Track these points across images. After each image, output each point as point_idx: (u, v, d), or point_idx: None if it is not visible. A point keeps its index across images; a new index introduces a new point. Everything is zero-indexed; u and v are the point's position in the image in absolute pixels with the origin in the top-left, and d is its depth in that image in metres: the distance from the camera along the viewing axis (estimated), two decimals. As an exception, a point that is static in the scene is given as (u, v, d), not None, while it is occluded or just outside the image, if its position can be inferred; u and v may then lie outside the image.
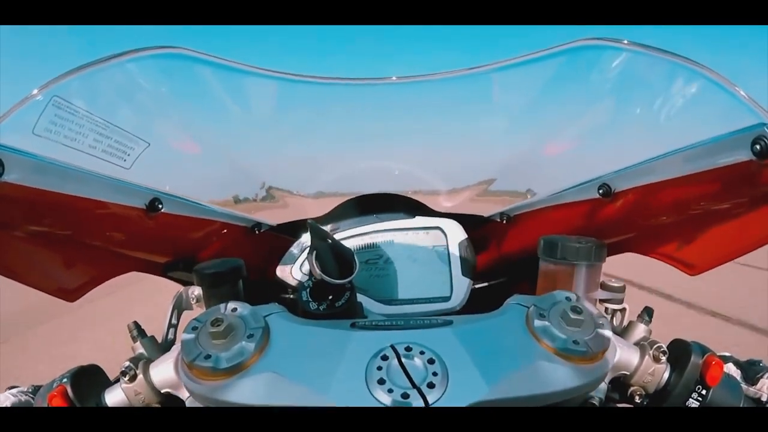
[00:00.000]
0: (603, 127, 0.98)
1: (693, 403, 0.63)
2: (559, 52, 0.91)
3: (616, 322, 0.79)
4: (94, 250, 0.82)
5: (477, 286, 1.10)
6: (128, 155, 0.82)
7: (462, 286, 1.05)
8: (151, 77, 0.88)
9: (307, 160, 1.22)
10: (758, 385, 0.68)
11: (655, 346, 0.63)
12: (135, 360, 0.63)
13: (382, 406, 0.49)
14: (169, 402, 0.62)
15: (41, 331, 4.88)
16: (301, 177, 1.19)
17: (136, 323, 0.74)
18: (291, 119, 1.17)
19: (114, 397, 0.61)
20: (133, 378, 0.60)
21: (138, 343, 0.72)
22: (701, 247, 0.81)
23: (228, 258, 0.85)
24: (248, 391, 0.51)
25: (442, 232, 1.07)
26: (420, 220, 1.08)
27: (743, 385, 0.68)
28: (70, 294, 0.81)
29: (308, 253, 0.73)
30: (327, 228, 1.08)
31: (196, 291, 0.82)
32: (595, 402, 0.61)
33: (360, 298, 0.83)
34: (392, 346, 0.55)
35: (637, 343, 0.68)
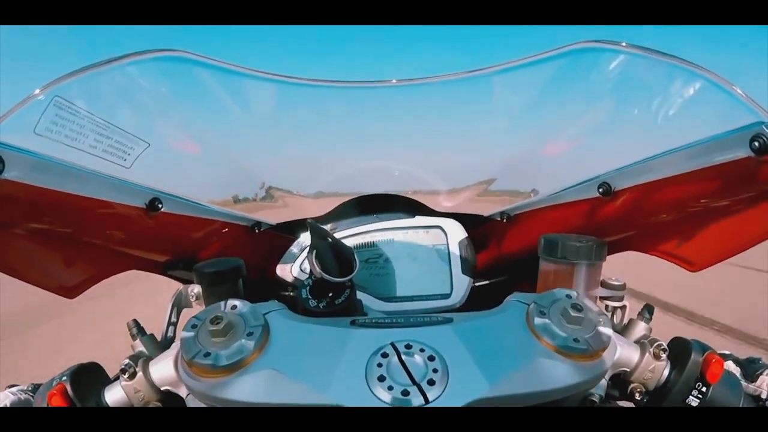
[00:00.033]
0: (602, 127, 0.99)
1: (693, 400, 0.63)
2: (558, 55, 0.91)
3: (616, 319, 0.80)
4: (94, 248, 0.83)
5: (477, 284, 1.10)
6: (128, 155, 0.82)
7: (462, 284, 1.05)
8: (151, 79, 0.88)
9: (307, 162, 1.23)
10: (758, 382, 0.68)
11: (656, 344, 0.63)
12: (135, 358, 0.63)
13: (383, 403, 0.49)
14: (169, 399, 0.62)
15: (41, 331, 4.88)
16: (302, 178, 1.19)
17: (135, 321, 0.75)
18: (291, 122, 1.17)
19: (113, 395, 0.61)
20: (132, 376, 0.60)
21: (138, 341, 0.72)
22: (701, 244, 0.81)
23: (228, 257, 0.85)
24: (248, 389, 0.51)
25: (443, 230, 1.08)
26: (420, 220, 1.09)
27: (743, 383, 0.68)
28: (70, 291, 0.81)
29: (308, 252, 0.73)
30: (327, 227, 1.08)
31: (196, 289, 0.82)
32: (595, 399, 0.61)
33: (360, 295, 0.83)
34: (392, 344, 0.55)
35: (637, 341, 0.68)
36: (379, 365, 0.52)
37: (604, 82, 0.92)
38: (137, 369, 0.60)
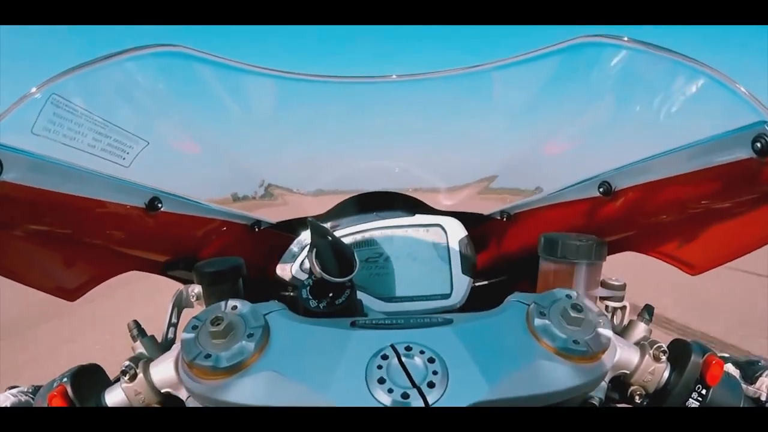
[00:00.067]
0: (603, 124, 0.98)
1: (693, 402, 0.63)
2: (559, 50, 0.91)
3: (616, 320, 0.80)
4: (94, 249, 0.82)
5: (477, 284, 1.10)
6: (127, 154, 0.82)
7: (462, 284, 1.05)
8: (150, 76, 0.88)
9: (307, 158, 1.22)
10: (757, 384, 0.68)
11: (656, 346, 0.63)
12: (135, 359, 0.62)
13: (382, 405, 0.49)
14: (169, 401, 0.62)
15: (41, 331, 4.88)
16: (301, 175, 1.19)
17: (136, 322, 0.74)
18: (291, 118, 1.17)
19: (114, 397, 0.61)
20: (133, 377, 0.60)
21: (138, 343, 0.72)
22: (702, 246, 0.80)
23: (228, 256, 0.85)
24: (248, 391, 0.51)
25: (443, 229, 1.07)
26: (420, 218, 1.08)
27: (743, 384, 0.68)
28: (70, 293, 0.81)
29: (308, 251, 0.73)
30: (327, 225, 1.08)
31: (196, 289, 0.82)
32: (595, 401, 0.61)
33: (360, 295, 0.83)
34: (392, 346, 0.55)
35: (637, 343, 0.68)
36: (379, 367, 0.52)
37: (606, 78, 0.91)
38: (138, 371, 0.60)
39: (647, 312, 0.75)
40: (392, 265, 1.06)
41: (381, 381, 0.51)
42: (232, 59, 0.93)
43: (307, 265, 0.93)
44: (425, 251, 1.07)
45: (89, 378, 0.63)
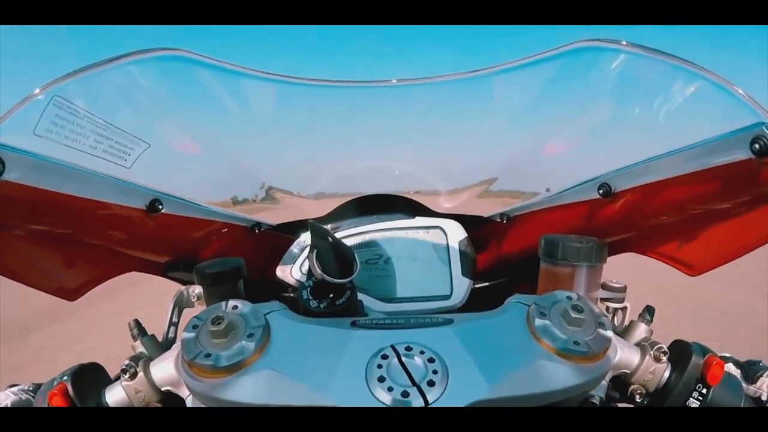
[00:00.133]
0: (603, 127, 0.98)
1: (693, 402, 0.63)
2: (558, 54, 0.91)
3: (617, 321, 0.80)
4: (94, 249, 0.82)
5: (477, 285, 1.10)
6: (129, 155, 0.82)
7: (462, 286, 1.05)
8: (152, 79, 0.88)
9: (307, 162, 1.23)
10: (758, 384, 0.68)
11: (656, 347, 0.63)
12: (135, 358, 0.63)
13: (382, 404, 0.49)
14: (170, 400, 0.62)
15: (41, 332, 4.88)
16: (302, 178, 1.19)
17: (136, 321, 0.75)
18: (291, 122, 1.17)
19: (114, 396, 0.61)
20: (133, 376, 0.60)
21: (138, 342, 0.72)
22: (701, 247, 0.81)
23: (228, 257, 0.85)
24: (248, 389, 0.51)
25: (443, 231, 1.07)
26: (420, 220, 1.09)
27: (743, 384, 0.68)
28: (71, 294, 0.81)
29: (309, 252, 0.73)
30: (327, 227, 1.08)
31: (197, 290, 0.82)
32: (596, 401, 0.61)
33: (360, 296, 0.83)
34: (392, 346, 0.55)
35: (638, 343, 0.68)
36: (379, 366, 0.52)
37: (605, 82, 0.92)
38: (138, 369, 0.60)
39: (648, 313, 0.75)
40: (392, 266, 1.06)
41: (381, 380, 0.51)
42: (233, 63, 0.94)
43: (307, 266, 0.93)
44: (425, 253, 1.07)
45: (90, 376, 0.63)
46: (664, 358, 0.63)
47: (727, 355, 0.75)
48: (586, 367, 0.55)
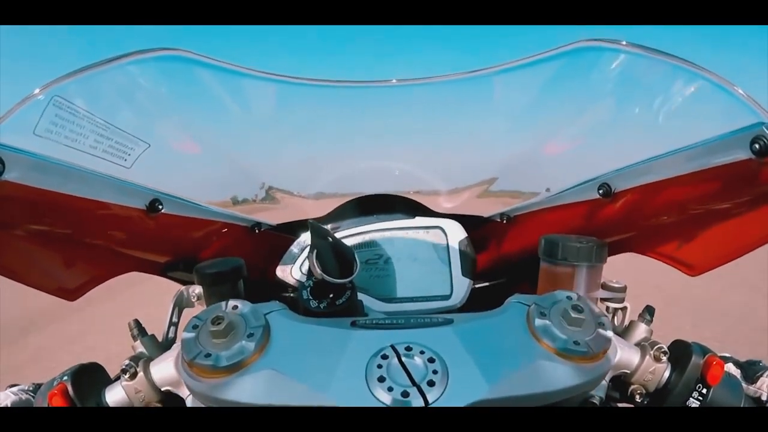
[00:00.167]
0: (603, 127, 0.99)
1: (694, 402, 0.63)
2: (558, 54, 0.91)
3: (617, 320, 0.80)
4: (94, 249, 0.82)
5: (477, 285, 1.10)
6: (129, 155, 0.82)
7: (462, 286, 1.05)
8: (152, 79, 0.88)
9: (307, 162, 1.23)
10: (758, 384, 0.68)
11: (656, 347, 0.63)
12: (135, 358, 0.63)
13: (382, 404, 0.49)
14: (170, 400, 0.62)
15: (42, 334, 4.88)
16: (302, 178, 1.19)
17: (136, 321, 0.75)
18: (292, 121, 1.17)
19: (114, 395, 0.61)
20: (133, 376, 0.60)
21: (138, 342, 0.72)
22: (701, 247, 0.81)
23: (228, 257, 0.85)
24: (248, 389, 0.51)
25: (443, 231, 1.07)
26: (420, 220, 1.09)
27: (744, 384, 0.68)
28: (71, 293, 0.81)
29: (309, 252, 0.73)
30: (327, 227, 1.08)
31: (197, 290, 0.82)
32: (596, 401, 0.61)
33: (360, 296, 0.83)
34: (392, 346, 0.55)
35: (638, 344, 0.68)
36: (379, 366, 0.52)
37: (605, 82, 0.92)
38: (138, 369, 0.60)
39: (648, 313, 0.75)
40: (392, 266, 1.06)
41: (381, 380, 0.51)
42: (233, 63, 0.94)
43: (307, 266, 0.93)
44: (425, 253, 1.07)
45: (90, 376, 0.63)
46: (664, 358, 0.63)
47: (727, 355, 0.75)
48: (586, 367, 0.55)
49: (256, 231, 1.12)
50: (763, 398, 0.67)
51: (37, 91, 0.71)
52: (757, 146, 0.60)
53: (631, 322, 0.76)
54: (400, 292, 1.05)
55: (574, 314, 0.57)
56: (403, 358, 0.53)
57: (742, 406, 0.65)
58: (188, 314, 0.66)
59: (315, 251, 0.72)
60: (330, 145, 1.23)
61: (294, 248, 1.08)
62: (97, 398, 0.61)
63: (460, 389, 0.51)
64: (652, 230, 0.87)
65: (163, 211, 0.86)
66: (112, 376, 0.67)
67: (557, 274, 0.80)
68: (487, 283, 1.14)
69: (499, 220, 1.15)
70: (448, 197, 1.21)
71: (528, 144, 1.11)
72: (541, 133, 1.09)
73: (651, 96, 0.86)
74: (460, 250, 1.06)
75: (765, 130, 0.59)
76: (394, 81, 1.02)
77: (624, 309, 0.80)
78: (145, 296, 3.95)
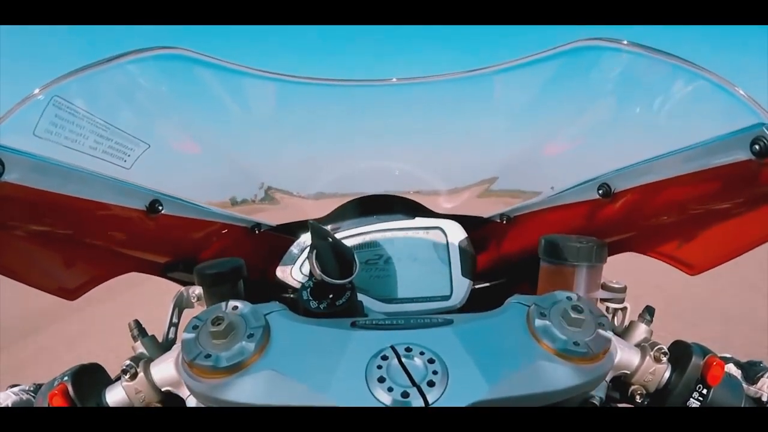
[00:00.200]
0: (603, 126, 0.98)
1: (694, 402, 0.63)
2: (558, 53, 0.91)
3: (617, 321, 0.80)
4: (94, 250, 0.82)
5: (477, 286, 1.10)
6: (128, 156, 0.82)
7: (462, 286, 1.05)
8: (151, 78, 0.88)
9: (307, 161, 1.22)
10: (759, 384, 0.68)
11: (656, 348, 0.63)
12: (135, 359, 0.63)
13: (382, 404, 0.49)
14: (170, 400, 0.62)
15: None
16: (302, 178, 1.19)
17: (137, 322, 0.74)
18: (291, 121, 1.17)
19: (115, 396, 0.61)
20: (133, 376, 0.60)
21: (138, 343, 0.72)
22: (701, 246, 0.81)
23: (228, 258, 0.85)
24: (248, 390, 0.51)
25: (442, 232, 1.07)
26: (420, 221, 1.09)
27: (744, 385, 0.68)
28: (70, 293, 0.81)
29: (309, 253, 0.73)
30: (327, 228, 1.08)
31: (197, 290, 0.82)
32: (596, 401, 0.61)
33: (360, 297, 0.83)
34: (392, 347, 0.55)
35: (638, 344, 0.68)
36: (379, 367, 0.52)
37: (605, 81, 0.92)
38: (138, 370, 0.60)
39: (648, 313, 0.75)
40: (392, 267, 1.06)
41: (381, 380, 0.51)
42: (233, 62, 0.94)
43: (307, 267, 0.93)
44: (425, 253, 1.07)
45: (90, 377, 0.63)
46: (664, 359, 0.63)
47: (728, 355, 0.75)
48: (586, 368, 0.55)
49: (256, 232, 1.12)
50: (764, 399, 0.67)
51: (36, 91, 0.71)
52: (757, 147, 0.60)
53: (631, 323, 0.76)
54: (400, 292, 1.05)
55: (574, 315, 0.57)
56: (403, 359, 0.53)
57: (742, 406, 0.65)
58: (188, 315, 0.66)
59: (315, 252, 0.72)
60: (330, 145, 1.23)
61: (294, 249, 1.08)
62: (98, 398, 0.61)
63: (460, 390, 0.51)
64: (651, 230, 0.87)
65: (163, 211, 0.86)
66: (112, 376, 0.67)
67: (557, 274, 0.80)
68: (487, 284, 1.14)
69: (498, 220, 1.15)
70: (448, 197, 1.20)
71: (528, 143, 1.11)
72: (541, 133, 1.09)
73: (651, 95, 0.86)
74: (459, 250, 1.06)
75: (765, 131, 0.59)
76: (394, 80, 1.02)
77: (624, 309, 0.80)
78: (146, 296, 3.95)
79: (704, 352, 0.65)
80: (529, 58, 0.94)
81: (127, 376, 0.60)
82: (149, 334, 0.75)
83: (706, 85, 0.75)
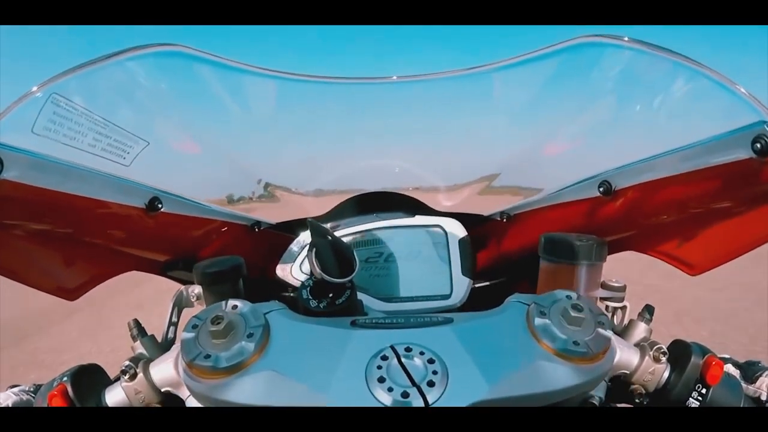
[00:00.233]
0: (603, 124, 0.98)
1: (693, 402, 0.63)
2: (559, 50, 0.91)
3: (616, 320, 0.80)
4: (94, 248, 0.82)
5: (477, 285, 1.10)
6: (128, 153, 0.82)
7: (462, 285, 1.05)
8: (150, 75, 0.88)
9: (307, 158, 1.22)
10: (757, 384, 0.68)
11: (656, 347, 0.63)
12: (135, 359, 0.63)
13: (382, 405, 0.49)
14: (169, 401, 0.62)
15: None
16: (301, 175, 1.19)
17: (136, 321, 0.74)
18: (291, 118, 1.17)
19: (114, 396, 0.61)
20: (133, 377, 0.60)
21: (138, 343, 0.72)
22: (702, 246, 0.81)
23: (228, 256, 0.85)
24: (248, 390, 0.51)
25: (443, 230, 1.07)
26: (420, 219, 1.08)
27: (743, 384, 0.68)
28: (70, 293, 0.81)
29: (308, 251, 0.73)
30: (327, 226, 1.07)
31: (197, 289, 0.82)
32: (595, 401, 0.61)
33: (360, 295, 0.83)
34: (392, 347, 0.55)
35: (637, 344, 0.68)
36: (379, 367, 0.52)
37: (606, 78, 0.91)
38: (138, 370, 0.60)
39: (647, 312, 0.75)
40: (392, 265, 1.06)
41: (381, 380, 0.51)
42: (232, 59, 0.93)
43: (307, 266, 0.93)
44: (425, 252, 1.07)
45: (89, 377, 0.63)
46: (664, 359, 0.63)
47: (727, 356, 0.75)
48: (586, 368, 0.55)
49: (256, 230, 1.12)
50: (763, 398, 0.67)
51: (35, 88, 0.71)
52: (758, 145, 0.60)
53: (631, 321, 0.76)
54: (400, 291, 1.05)
55: (573, 313, 0.57)
56: (403, 359, 0.53)
57: (741, 406, 0.65)
58: (188, 314, 0.66)
59: (314, 250, 0.71)
60: (330, 142, 1.23)
61: (294, 247, 1.08)
62: (97, 399, 0.61)
63: (460, 389, 0.51)
64: (652, 229, 0.87)
65: (162, 209, 0.86)
66: (111, 377, 0.67)
67: (557, 273, 0.80)
68: (487, 282, 1.14)
69: (499, 218, 1.14)
70: (448, 195, 1.20)
71: (529, 141, 1.11)
72: (541, 130, 1.09)
73: (652, 93, 0.86)
74: (459, 249, 1.06)
75: (766, 129, 0.59)
76: (394, 78, 1.02)
77: (623, 308, 0.80)
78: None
79: (703, 351, 0.65)
80: (530, 55, 0.94)
81: (127, 377, 0.60)
82: (149, 333, 0.75)
83: (707, 83, 0.74)
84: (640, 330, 0.74)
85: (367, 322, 0.61)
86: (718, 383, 0.63)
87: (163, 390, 0.60)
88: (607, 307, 0.80)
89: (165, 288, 0.97)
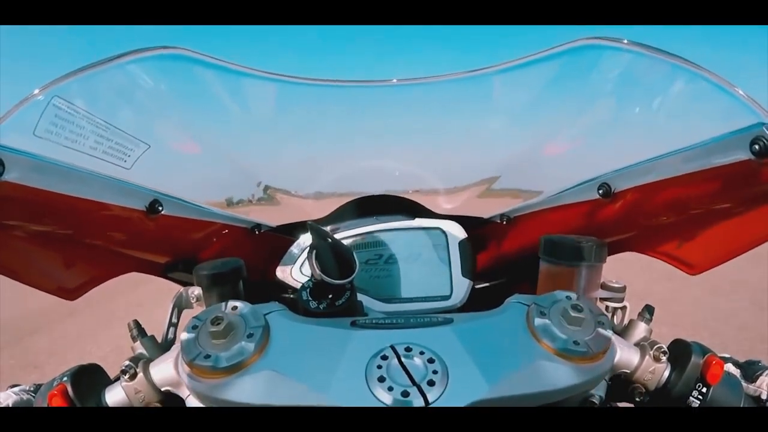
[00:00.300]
0: (602, 126, 0.99)
1: (694, 401, 0.63)
2: (558, 53, 0.91)
3: (616, 320, 0.80)
4: (94, 250, 0.82)
5: (477, 286, 1.10)
6: (129, 156, 0.82)
7: (462, 287, 1.05)
8: (151, 78, 0.88)
9: (307, 161, 1.22)
10: (758, 383, 0.68)
11: (656, 347, 0.63)
12: (135, 359, 0.63)
13: (383, 404, 0.49)
14: (170, 400, 0.62)
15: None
16: (302, 179, 1.19)
17: (136, 322, 0.74)
18: (292, 121, 1.17)
19: (114, 396, 0.61)
20: (133, 376, 0.60)
21: (138, 343, 0.72)
22: (701, 246, 0.81)
23: (228, 258, 0.85)
24: (248, 390, 0.51)
25: (442, 232, 1.07)
26: (420, 221, 1.09)
27: (743, 384, 0.68)
28: (70, 293, 0.81)
29: (308, 253, 0.73)
30: (327, 228, 1.08)
31: (197, 291, 0.82)
32: (595, 400, 0.61)
33: (360, 297, 0.83)
34: (392, 347, 0.55)
35: (637, 343, 0.68)
36: (379, 367, 0.52)
37: (605, 80, 0.91)
38: (138, 370, 0.60)
39: (647, 312, 0.75)
40: (392, 267, 1.06)
41: (381, 380, 0.51)
42: (233, 62, 0.93)
43: (307, 268, 0.93)
44: (425, 253, 1.07)
45: (89, 377, 0.63)
46: (664, 358, 0.63)
47: (727, 355, 0.75)
48: (586, 367, 0.55)
49: (256, 232, 1.12)
50: (763, 397, 0.67)
51: (36, 91, 0.71)
52: (756, 147, 0.60)
53: (631, 321, 0.76)
54: (400, 292, 1.05)
55: (573, 314, 0.57)
56: (403, 359, 0.53)
57: (741, 405, 0.65)
58: (188, 315, 0.66)
59: (314, 252, 0.72)
60: (330, 145, 1.23)
61: (294, 249, 1.08)
62: (97, 399, 0.61)
63: (460, 389, 0.51)
64: (651, 230, 0.87)
65: (163, 212, 0.86)
66: (111, 377, 0.67)
67: (557, 274, 0.80)
68: (487, 284, 1.14)
69: (499, 221, 1.15)
70: (448, 197, 1.20)
71: (529, 143, 1.11)
72: (541, 133, 1.09)
73: (651, 95, 0.86)
74: (459, 250, 1.06)
75: (765, 130, 0.59)
76: (394, 80, 1.02)
77: (623, 308, 0.80)
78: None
79: (703, 351, 0.65)
80: (530, 57, 0.94)
81: (127, 377, 0.60)
82: (148, 334, 0.75)
83: (706, 85, 0.75)
84: (640, 330, 0.74)
85: (367, 322, 0.61)
86: (719, 382, 0.62)
87: (163, 389, 0.60)
88: (607, 307, 0.80)
89: (165, 288, 0.97)
